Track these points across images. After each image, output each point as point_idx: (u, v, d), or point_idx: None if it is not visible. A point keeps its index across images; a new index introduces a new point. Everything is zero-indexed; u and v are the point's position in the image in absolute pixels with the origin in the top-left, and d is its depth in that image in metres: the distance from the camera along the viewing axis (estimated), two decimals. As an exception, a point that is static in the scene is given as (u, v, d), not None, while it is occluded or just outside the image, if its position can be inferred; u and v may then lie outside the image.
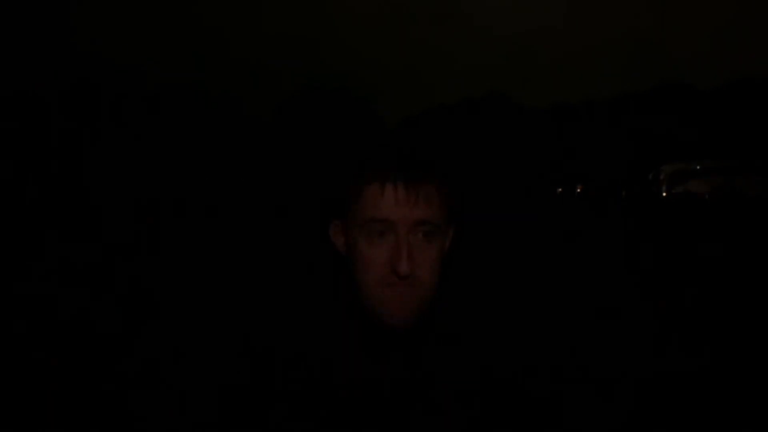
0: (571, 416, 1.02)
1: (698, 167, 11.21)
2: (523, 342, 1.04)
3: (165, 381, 3.01)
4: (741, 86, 48.40)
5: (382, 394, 0.97)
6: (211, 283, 6.05)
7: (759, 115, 43.56)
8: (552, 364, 1.04)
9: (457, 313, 1.05)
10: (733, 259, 7.09)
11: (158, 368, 3.26)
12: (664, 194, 10.84)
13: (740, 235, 8.65)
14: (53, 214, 15.46)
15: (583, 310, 4.66)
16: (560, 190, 39.98)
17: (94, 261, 7.92)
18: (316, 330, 1.01)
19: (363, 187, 0.97)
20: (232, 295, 5.19)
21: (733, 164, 11.64)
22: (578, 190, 33.56)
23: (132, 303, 5.16)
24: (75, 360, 3.51)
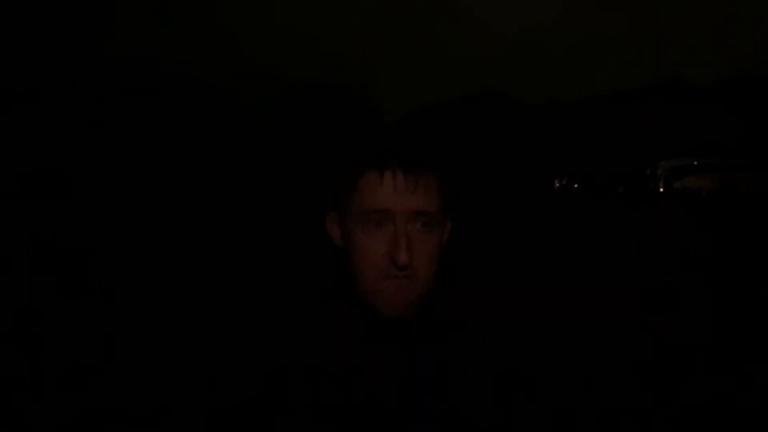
0: (574, 401, 1.02)
1: (696, 163, 11.22)
2: (524, 331, 1.04)
3: (165, 386, 3.00)
4: (739, 82, 48.40)
5: (385, 388, 0.96)
6: (207, 279, 6.04)
7: (757, 111, 43.61)
8: (555, 353, 1.04)
9: (457, 304, 1.04)
10: (731, 255, 7.10)
11: (157, 371, 3.25)
12: (662, 190, 10.85)
13: (737, 231, 8.67)
14: (47, 209, 15.42)
15: (582, 301, 4.66)
16: (558, 184, 40.01)
17: (88, 260, 7.89)
18: (315, 326, 1.00)
19: (360, 176, 0.95)
20: (227, 292, 5.18)
21: (731, 160, 11.65)
22: (576, 185, 33.56)
23: (125, 302, 5.15)
24: (81, 366, 3.50)
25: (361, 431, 0.94)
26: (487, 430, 0.97)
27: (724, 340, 3.68)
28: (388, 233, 0.94)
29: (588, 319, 4.18)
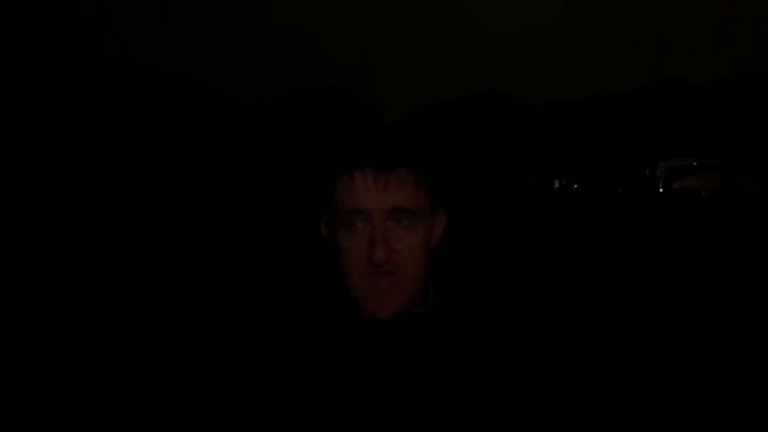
0: (574, 401, 1.03)
1: (695, 163, 11.24)
2: (523, 331, 1.04)
3: (158, 380, 3.00)
4: (739, 82, 48.37)
5: (381, 388, 0.96)
6: (205, 279, 6.05)
7: (757, 111, 43.61)
8: (555, 353, 1.04)
9: (456, 303, 1.05)
10: (731, 255, 7.10)
11: (154, 365, 3.26)
12: (662, 190, 10.86)
13: (737, 231, 8.67)
14: (49, 210, 15.42)
15: (582, 301, 4.67)
16: (558, 184, 40.00)
17: (88, 257, 7.90)
18: (310, 326, 1.01)
19: (337, 179, 0.97)
20: (226, 292, 5.19)
21: (731, 161, 11.67)
22: (575, 185, 33.55)
23: (124, 297, 5.15)
24: (77, 360, 3.50)
25: (359, 430, 0.95)
26: (486, 430, 0.97)
27: (723, 339, 3.68)
28: (366, 232, 0.95)
29: (587, 319, 4.18)
